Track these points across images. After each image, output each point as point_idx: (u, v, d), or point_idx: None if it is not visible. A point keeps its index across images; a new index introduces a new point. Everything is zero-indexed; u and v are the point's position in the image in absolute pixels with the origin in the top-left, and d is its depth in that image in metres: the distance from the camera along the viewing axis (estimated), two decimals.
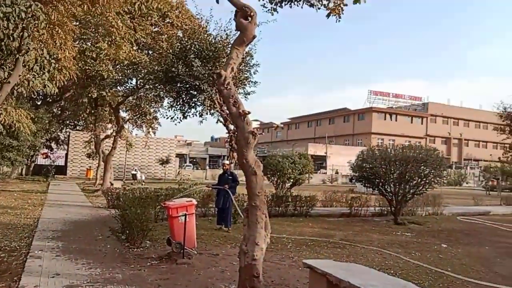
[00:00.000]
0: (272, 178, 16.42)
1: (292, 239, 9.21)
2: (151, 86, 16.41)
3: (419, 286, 5.00)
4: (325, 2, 5.45)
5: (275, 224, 11.18)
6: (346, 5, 5.48)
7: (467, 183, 53.16)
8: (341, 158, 46.54)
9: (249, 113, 4.12)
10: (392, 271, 6.59)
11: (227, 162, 11.29)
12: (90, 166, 35.57)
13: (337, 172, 50.85)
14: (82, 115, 28.82)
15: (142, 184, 25.26)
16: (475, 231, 12.00)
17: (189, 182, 14.83)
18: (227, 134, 13.57)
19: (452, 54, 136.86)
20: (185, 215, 6.77)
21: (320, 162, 57.85)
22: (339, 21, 5.60)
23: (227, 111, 4.34)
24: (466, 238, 10.55)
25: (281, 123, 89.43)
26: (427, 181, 12.86)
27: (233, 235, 9.45)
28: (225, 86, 4.08)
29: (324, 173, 52.91)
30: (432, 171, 12.76)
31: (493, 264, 7.57)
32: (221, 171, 11.34)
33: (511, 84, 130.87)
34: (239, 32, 4.50)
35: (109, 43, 14.70)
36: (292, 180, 16.41)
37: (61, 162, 38.87)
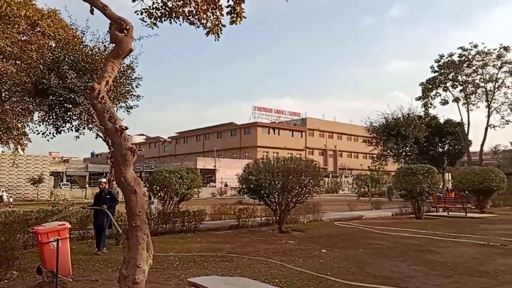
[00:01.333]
0: (159, 194, 15.91)
1: (180, 256, 8.98)
2: (19, 99, 14.73)
3: None
4: (203, 21, 5.51)
5: (162, 242, 10.84)
6: (224, 26, 5.62)
7: (342, 190, 58.30)
8: (230, 171, 47.32)
9: (126, 128, 3.90)
10: (277, 280, 6.80)
11: (103, 180, 10.68)
12: None
13: (226, 185, 51.53)
14: None
15: (10, 207, 22.46)
16: (350, 235, 13.05)
17: (65, 203, 13.55)
18: (109, 150, 12.81)
19: (323, 73, 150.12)
20: (58, 240, 6.15)
21: (209, 175, 58.03)
22: (218, 40, 5.72)
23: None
24: (343, 242, 11.38)
25: (169, 138, 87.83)
26: (307, 190, 13.73)
27: (115, 257, 8.86)
28: (99, 100, 3.82)
29: (213, 186, 53.18)
30: (311, 181, 13.67)
31: (366, 265, 8.26)
32: (97, 192, 10.47)
33: (375, 101, 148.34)
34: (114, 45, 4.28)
35: None
36: (179, 196, 16.08)
37: None
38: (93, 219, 10.09)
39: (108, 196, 9.84)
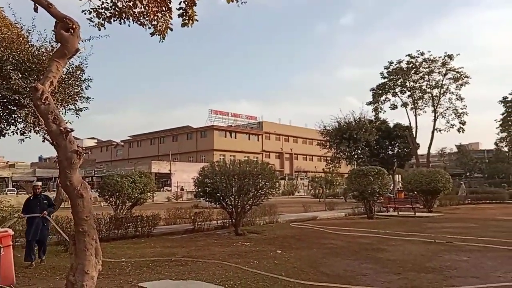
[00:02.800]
0: (111, 199, 15.45)
1: (132, 262, 8.75)
2: None
3: None
4: (154, 23, 5.45)
5: (114, 248, 10.53)
6: (171, 29, 5.61)
7: (298, 192, 59.20)
8: (186, 175, 46.75)
9: (72, 130, 3.77)
10: (231, 282, 6.79)
11: (39, 183, 10.15)
12: None
13: (182, 189, 50.80)
14: None
15: None
16: (305, 235, 13.28)
17: (10, 209, 12.83)
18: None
19: (279, 78, 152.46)
20: (0, 248, 5.82)
21: (164, 179, 57.05)
22: (162, 41, 5.68)
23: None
24: (298, 243, 11.56)
25: (122, 141, 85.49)
26: (263, 192, 13.84)
27: (64, 264, 8.49)
28: (43, 101, 3.66)
29: (169, 190, 52.27)
30: (267, 183, 13.79)
31: (320, 265, 8.43)
32: (30, 197, 9.56)
33: (329, 106, 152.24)
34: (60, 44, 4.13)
35: None
36: (132, 200, 15.71)
37: None
38: (27, 227, 8.98)
39: (46, 202, 9.14)
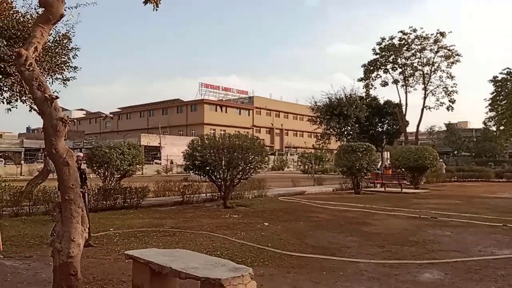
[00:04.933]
0: (99, 170, 15.43)
1: (120, 232, 8.82)
2: None
3: (241, 263, 5.36)
4: None
5: (102, 218, 10.59)
6: None
7: (288, 167, 59.63)
8: (176, 148, 46.65)
9: (57, 97, 3.72)
10: (218, 252, 6.91)
11: (81, 154, 8.93)
12: None
13: (172, 162, 50.82)
14: None
15: None
16: (293, 209, 13.46)
17: None
18: None
19: (269, 54, 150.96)
20: None
21: (154, 152, 56.91)
22: (156, 9, 5.55)
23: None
24: (285, 216, 11.72)
25: (111, 113, 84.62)
26: (252, 166, 13.91)
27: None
28: (27, 67, 3.59)
29: (158, 163, 52.25)
30: (256, 157, 13.84)
31: (306, 237, 8.59)
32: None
33: (319, 82, 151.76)
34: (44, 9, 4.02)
35: None
36: (121, 172, 15.69)
37: None
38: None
39: (84, 175, 8.06)
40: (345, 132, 36.32)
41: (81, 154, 8.83)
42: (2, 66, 10.37)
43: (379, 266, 6.28)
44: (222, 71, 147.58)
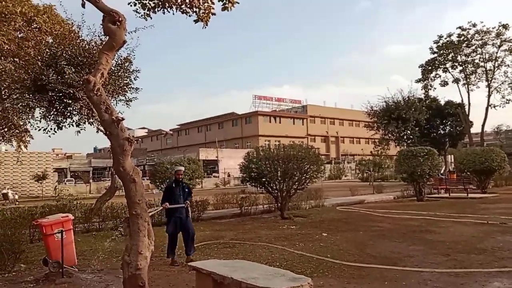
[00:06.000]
0: (162, 186, 16.09)
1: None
2: (19, 96, 14.83)
3: (300, 274, 5.37)
4: (196, 10, 5.57)
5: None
6: (214, 14, 5.69)
7: (345, 176, 58.45)
8: (232, 161, 47.45)
9: (123, 119, 4.02)
10: (277, 263, 6.96)
11: (182, 168, 8.51)
12: None
13: (229, 175, 51.72)
14: None
15: (15, 204, 22.68)
16: (352, 218, 13.21)
17: (69, 197, 13.73)
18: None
19: (320, 60, 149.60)
20: (62, 231, 6.31)
21: (212, 166, 58.29)
22: (205, 27, 5.79)
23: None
24: (344, 226, 11.54)
25: (171, 130, 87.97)
26: (308, 176, 13.85)
27: (120, 247, 9.01)
28: (95, 92, 3.93)
29: (216, 176, 53.40)
30: (312, 167, 13.78)
31: (366, 247, 8.41)
32: (172, 183, 8.18)
33: (374, 86, 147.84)
34: (108, 37, 4.38)
35: None
36: None
37: None
38: (167, 219, 7.99)
39: (187, 190, 8.03)
40: (405, 137, 34.92)
41: (182, 168, 8.48)
42: (71, 91, 11.22)
43: (444, 275, 6.02)
44: (275, 82, 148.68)
